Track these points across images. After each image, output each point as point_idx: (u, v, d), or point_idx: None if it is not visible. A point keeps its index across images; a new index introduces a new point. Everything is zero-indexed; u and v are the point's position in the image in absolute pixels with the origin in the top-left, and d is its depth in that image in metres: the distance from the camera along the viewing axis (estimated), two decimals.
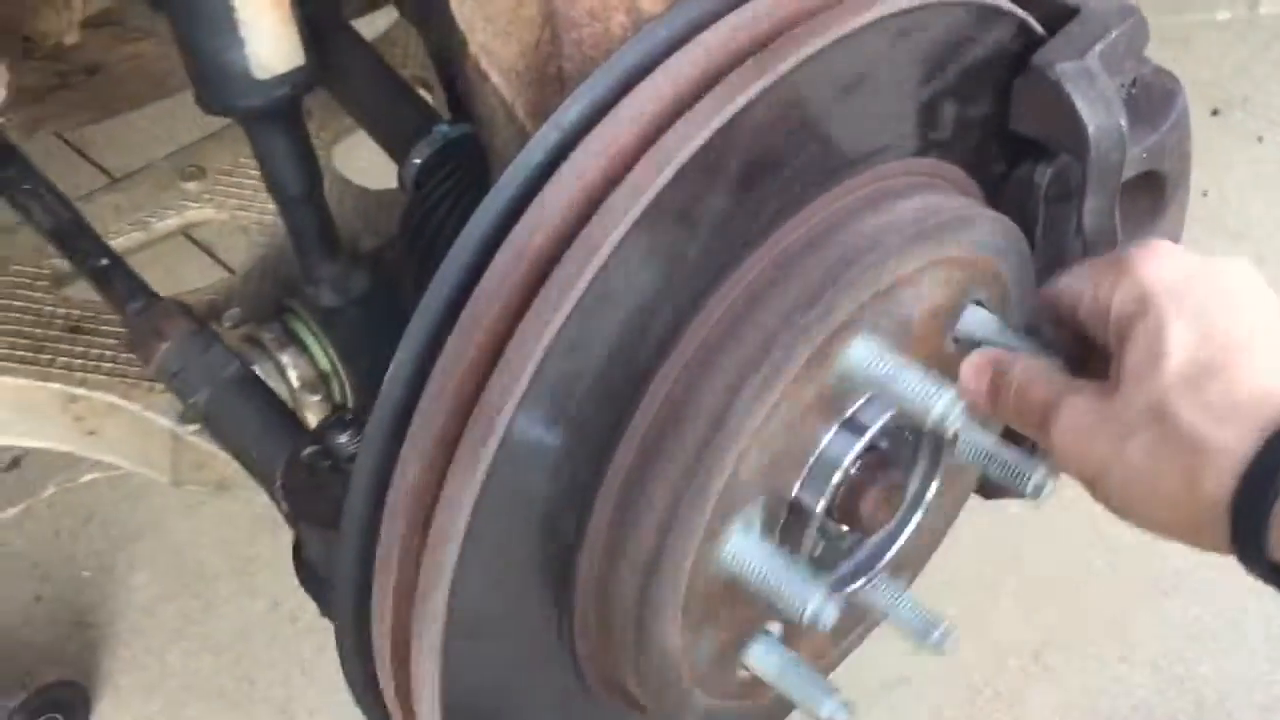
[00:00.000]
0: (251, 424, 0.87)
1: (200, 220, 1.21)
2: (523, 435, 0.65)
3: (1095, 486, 0.66)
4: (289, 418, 0.89)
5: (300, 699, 1.68)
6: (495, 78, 0.74)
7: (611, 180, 0.62)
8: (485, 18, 0.73)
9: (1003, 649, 1.66)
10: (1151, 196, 0.90)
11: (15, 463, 1.85)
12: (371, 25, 1.35)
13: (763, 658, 0.80)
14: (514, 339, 0.63)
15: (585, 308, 0.63)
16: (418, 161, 0.99)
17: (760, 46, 0.66)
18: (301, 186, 0.98)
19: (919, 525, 0.89)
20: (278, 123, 0.94)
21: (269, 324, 1.01)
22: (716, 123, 0.64)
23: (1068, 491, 0.95)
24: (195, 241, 1.29)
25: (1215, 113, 2.35)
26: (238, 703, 1.69)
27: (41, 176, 1.10)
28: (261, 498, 1.00)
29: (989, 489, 1.02)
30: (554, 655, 0.78)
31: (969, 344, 0.76)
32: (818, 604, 0.71)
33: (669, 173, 0.61)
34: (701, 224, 0.66)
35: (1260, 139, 2.31)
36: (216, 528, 1.85)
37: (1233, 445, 0.60)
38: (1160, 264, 0.65)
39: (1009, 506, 1.77)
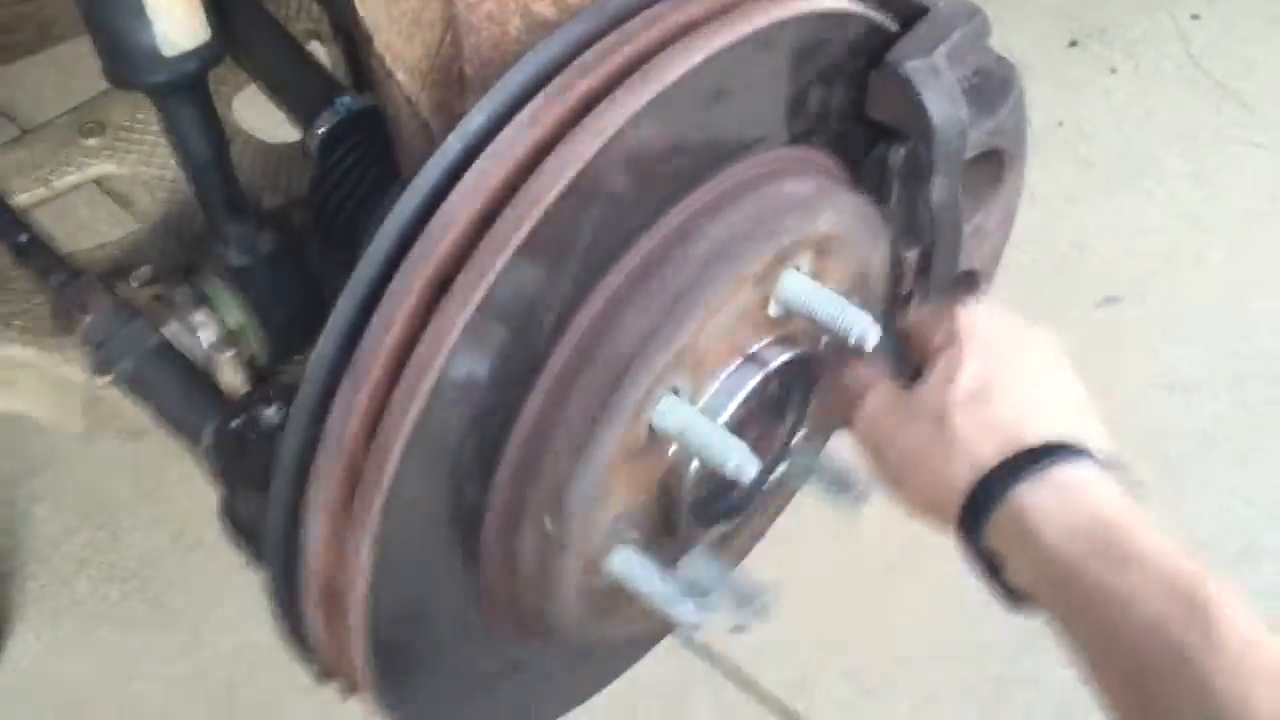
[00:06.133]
0: (174, 392, 0.93)
1: (101, 175, 1.23)
2: (443, 399, 0.73)
3: (876, 455, 0.87)
4: (209, 386, 0.95)
5: (208, 621, 1.73)
6: (400, 75, 0.80)
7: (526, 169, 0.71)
8: (390, 19, 0.79)
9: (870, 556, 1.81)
10: (993, 169, 1.01)
11: None
12: None
13: (624, 562, 0.88)
14: (428, 329, 0.71)
15: (512, 270, 0.71)
16: (321, 131, 1.04)
17: (635, 65, 0.74)
18: (208, 153, 1.03)
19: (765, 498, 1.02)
20: (185, 95, 0.98)
21: (179, 284, 1.06)
22: (614, 124, 0.73)
23: None
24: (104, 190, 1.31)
25: (1073, 44, 2.45)
26: (148, 625, 1.74)
27: None
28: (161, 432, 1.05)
29: None
30: (460, 590, 0.87)
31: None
32: (742, 456, 0.81)
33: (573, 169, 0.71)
34: (604, 206, 0.75)
35: (1114, 70, 2.41)
36: (117, 460, 1.86)
37: (983, 454, 0.80)
38: (975, 319, 0.86)
39: None
